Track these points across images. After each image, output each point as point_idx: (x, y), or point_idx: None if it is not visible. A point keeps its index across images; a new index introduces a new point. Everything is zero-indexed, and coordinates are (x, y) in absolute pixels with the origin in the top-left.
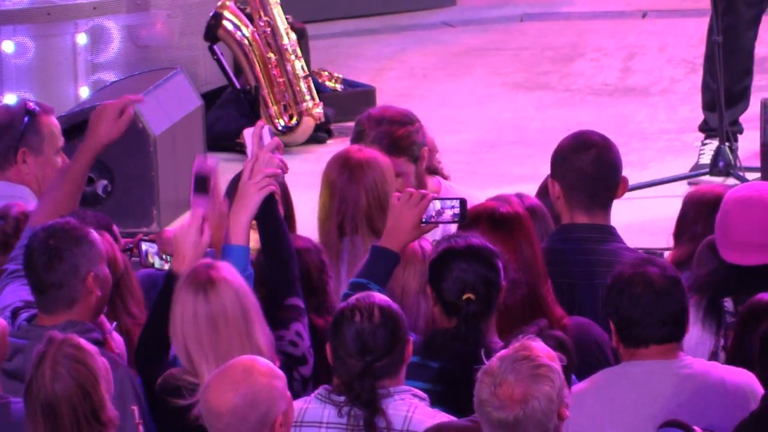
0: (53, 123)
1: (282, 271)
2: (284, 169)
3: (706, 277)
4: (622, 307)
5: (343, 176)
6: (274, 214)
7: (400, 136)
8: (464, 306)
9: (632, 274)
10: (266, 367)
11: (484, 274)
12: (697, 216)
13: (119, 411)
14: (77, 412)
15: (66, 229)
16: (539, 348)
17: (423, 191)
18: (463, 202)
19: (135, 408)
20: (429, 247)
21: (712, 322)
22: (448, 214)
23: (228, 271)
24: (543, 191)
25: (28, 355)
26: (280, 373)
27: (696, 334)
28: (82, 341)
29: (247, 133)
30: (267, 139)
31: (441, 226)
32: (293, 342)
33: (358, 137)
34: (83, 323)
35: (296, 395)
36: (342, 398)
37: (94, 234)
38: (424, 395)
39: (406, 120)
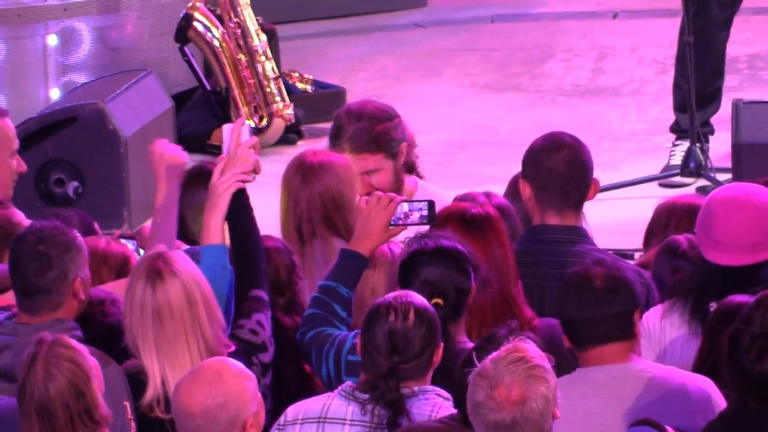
0: (7, 126)
1: (248, 264)
2: (257, 169)
3: (689, 280)
4: (566, 308)
5: (296, 180)
6: (243, 208)
7: (379, 132)
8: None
9: (574, 276)
10: (237, 368)
11: (453, 279)
12: (668, 221)
13: (112, 406)
14: (71, 411)
15: (54, 234)
16: (532, 349)
17: (391, 194)
18: (431, 204)
19: (127, 403)
20: (398, 249)
21: (698, 324)
22: (416, 216)
23: (178, 262)
24: (511, 192)
25: (17, 352)
26: (251, 374)
27: (682, 336)
28: (73, 341)
29: (226, 129)
30: (245, 136)
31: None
32: (254, 330)
33: (336, 132)
34: (68, 321)
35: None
36: (366, 396)
37: (80, 237)
38: (448, 395)
39: (385, 116)
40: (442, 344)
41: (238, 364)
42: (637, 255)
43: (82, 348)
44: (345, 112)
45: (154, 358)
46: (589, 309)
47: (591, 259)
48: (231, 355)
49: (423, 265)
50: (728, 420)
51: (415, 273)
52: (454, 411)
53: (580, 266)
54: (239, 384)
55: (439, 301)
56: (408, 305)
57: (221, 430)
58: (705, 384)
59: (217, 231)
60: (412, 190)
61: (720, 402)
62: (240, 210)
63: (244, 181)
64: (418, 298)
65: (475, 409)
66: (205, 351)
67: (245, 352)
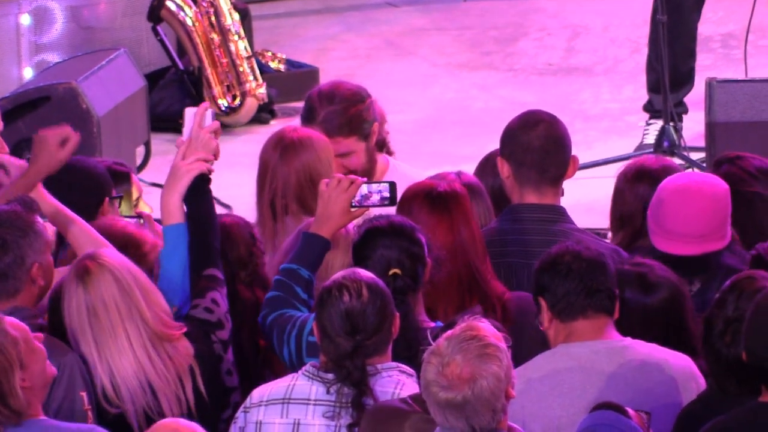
0: None
1: (203, 243)
2: (217, 155)
3: None
4: (556, 281)
5: (275, 156)
6: (202, 190)
7: (352, 116)
8: (391, 282)
9: (559, 252)
10: (189, 431)
11: (408, 248)
12: (630, 195)
13: (68, 397)
14: None
15: (12, 219)
16: (486, 328)
17: (351, 176)
18: (392, 186)
19: (84, 394)
20: (351, 228)
21: None
22: (376, 198)
23: (106, 255)
24: (481, 169)
25: None
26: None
27: None
28: (12, 330)
29: (189, 112)
30: (208, 120)
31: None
32: (208, 309)
33: (308, 115)
34: (28, 309)
35: (218, 357)
36: (330, 376)
37: (41, 223)
38: (412, 371)
39: (357, 98)
40: (398, 314)
41: (190, 425)
42: (610, 234)
43: (20, 337)
44: (317, 95)
45: (95, 353)
46: (591, 276)
47: (566, 241)
48: (186, 335)
49: (377, 241)
50: (707, 403)
51: (371, 249)
52: (418, 387)
53: (560, 246)
54: None
55: (397, 270)
56: (359, 282)
57: None
58: (685, 361)
59: (176, 210)
60: (384, 169)
61: (700, 379)
62: (199, 193)
63: (206, 169)
64: (367, 274)
65: (427, 387)
66: (148, 336)
67: (202, 331)
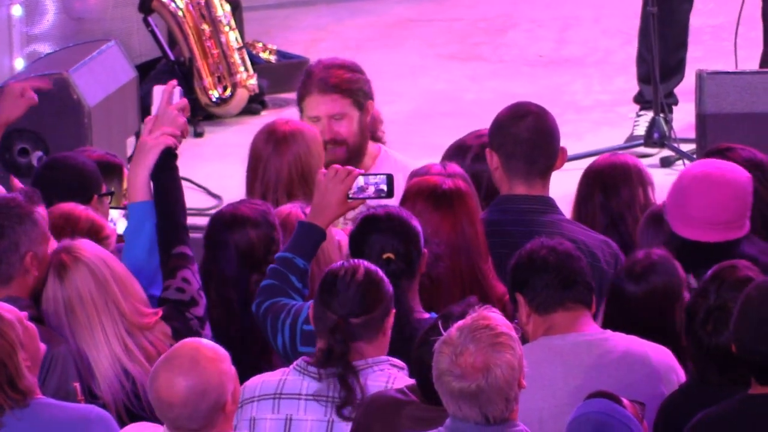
0: None
1: (170, 221)
2: (185, 132)
3: None
4: (534, 275)
5: (267, 147)
6: (169, 167)
7: (347, 78)
8: (384, 266)
9: (533, 248)
10: (211, 351)
11: (404, 236)
12: (592, 190)
13: (62, 388)
14: None
15: (11, 206)
16: (497, 317)
17: (349, 167)
18: (389, 178)
19: (77, 385)
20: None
21: None
22: (373, 189)
23: (82, 248)
24: (453, 153)
25: None
26: (224, 353)
27: None
28: (6, 314)
29: (157, 90)
30: (176, 98)
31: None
32: (180, 288)
33: (306, 77)
34: (22, 299)
35: (196, 333)
36: (321, 369)
37: (40, 213)
38: (403, 364)
39: (355, 68)
40: (393, 310)
41: (212, 345)
42: None
43: (13, 318)
44: (316, 62)
45: (73, 347)
46: (568, 268)
47: (539, 238)
48: (163, 317)
49: (373, 228)
50: (688, 393)
51: (366, 236)
52: (410, 381)
53: (533, 242)
54: (216, 367)
55: (391, 255)
56: (358, 265)
57: (202, 417)
58: (665, 353)
59: (143, 186)
60: (376, 155)
61: (679, 371)
62: (165, 168)
63: (174, 144)
64: (368, 263)
65: (440, 377)
66: (125, 327)
67: (177, 309)
